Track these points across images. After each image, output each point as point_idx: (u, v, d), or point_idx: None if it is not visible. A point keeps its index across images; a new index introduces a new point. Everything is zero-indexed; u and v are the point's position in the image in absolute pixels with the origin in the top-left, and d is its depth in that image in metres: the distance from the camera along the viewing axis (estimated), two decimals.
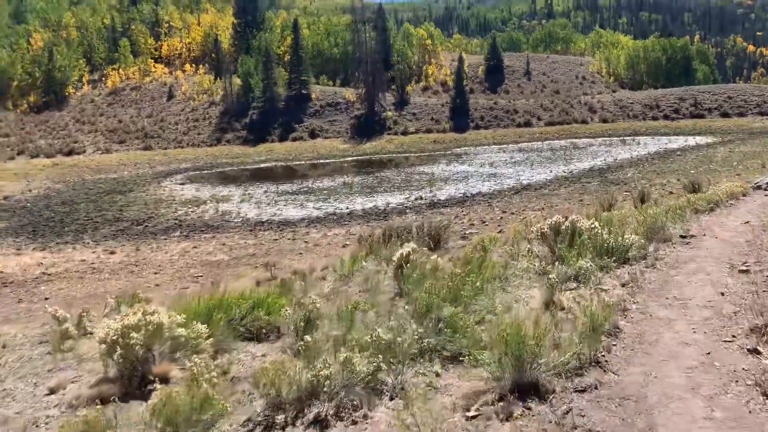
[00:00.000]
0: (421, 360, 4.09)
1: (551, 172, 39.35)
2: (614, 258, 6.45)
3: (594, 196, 26.75)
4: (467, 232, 20.79)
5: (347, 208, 29.20)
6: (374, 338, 3.85)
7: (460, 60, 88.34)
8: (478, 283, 5.56)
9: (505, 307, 5.08)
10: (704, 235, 8.20)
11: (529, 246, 7.64)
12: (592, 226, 7.10)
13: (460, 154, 56.30)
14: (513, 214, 24.37)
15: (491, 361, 3.54)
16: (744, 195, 13.09)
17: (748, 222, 9.02)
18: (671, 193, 24.81)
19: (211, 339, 4.95)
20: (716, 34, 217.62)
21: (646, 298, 5.31)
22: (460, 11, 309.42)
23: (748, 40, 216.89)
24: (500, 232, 19.57)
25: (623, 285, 5.70)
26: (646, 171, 34.22)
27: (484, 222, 22.88)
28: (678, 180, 28.85)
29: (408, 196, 32.27)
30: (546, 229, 7.14)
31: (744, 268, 5.92)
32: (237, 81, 73.67)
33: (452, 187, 35.09)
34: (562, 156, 48.83)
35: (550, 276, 5.38)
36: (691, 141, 52.04)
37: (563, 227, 7.10)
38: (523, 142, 63.83)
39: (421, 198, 31.30)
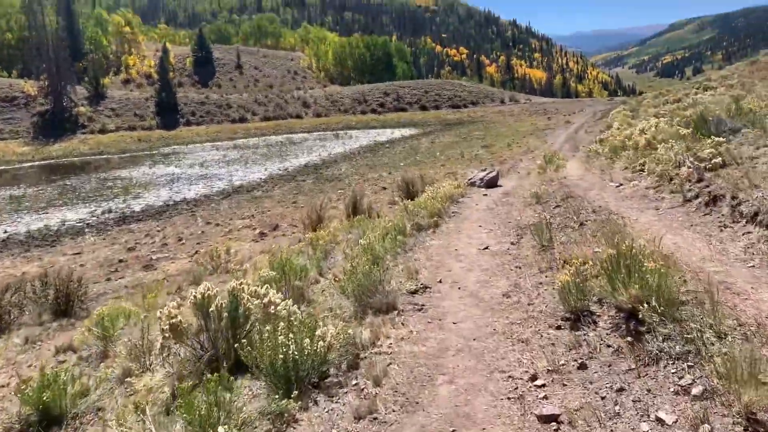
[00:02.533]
0: None
1: (266, 170, 36.64)
2: (294, 386, 3.31)
3: (308, 196, 24.49)
4: (155, 257, 16.55)
5: (5, 233, 22.34)
6: None
7: (165, 50, 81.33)
8: None
9: None
10: (440, 281, 5.68)
11: (166, 344, 4.22)
12: (268, 301, 3.98)
13: (168, 154, 50.63)
14: (218, 225, 20.70)
15: None
16: (462, 196, 11.49)
17: (486, 247, 6.85)
18: (384, 188, 23.71)
19: None
20: (410, 34, 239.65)
21: None
22: (167, 2, 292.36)
23: (436, 41, 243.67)
24: (195, 254, 15.83)
25: None
26: (359, 165, 33.41)
27: (181, 240, 18.78)
28: (389, 173, 28.25)
29: (94, 209, 26.34)
30: (181, 321, 3.79)
31: (545, 411, 3.20)
32: None
33: (153, 194, 30.00)
34: (277, 152, 46.60)
35: None
36: (397, 133, 54.12)
37: (217, 306, 3.83)
38: (238, 139, 60.49)
39: (111, 211, 25.73)
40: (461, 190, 11.80)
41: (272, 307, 3.95)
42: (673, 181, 7.54)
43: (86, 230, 22.08)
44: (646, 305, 3.55)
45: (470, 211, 9.59)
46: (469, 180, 14.22)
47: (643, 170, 9.29)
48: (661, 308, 3.50)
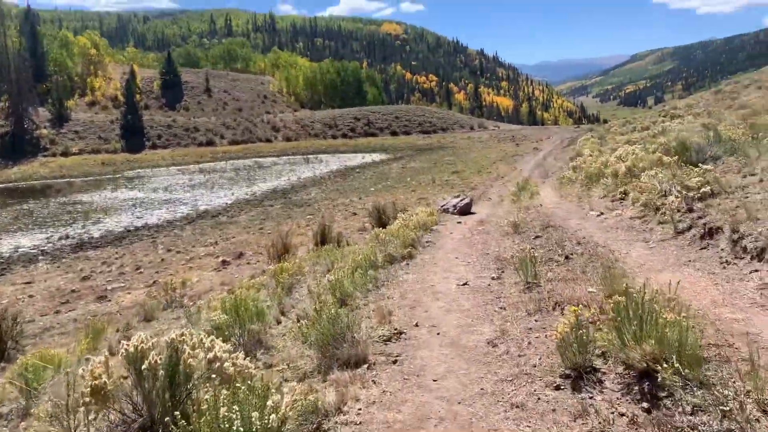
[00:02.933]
0: None
1: (233, 194, 35.77)
2: None
3: (276, 222, 23.77)
4: (110, 288, 15.59)
5: None
6: None
7: (132, 73, 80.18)
8: None
9: None
10: (416, 325, 5.04)
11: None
12: (213, 356, 3.29)
13: (132, 178, 49.40)
14: (179, 252, 19.80)
15: None
16: (436, 224, 10.95)
17: (466, 283, 6.24)
18: (355, 214, 23.12)
19: None
20: (380, 61, 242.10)
21: None
22: (136, 25, 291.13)
23: (406, 68, 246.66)
24: (152, 284, 14.95)
25: None
26: (329, 190, 32.80)
27: (139, 268, 17.84)
28: (360, 199, 27.72)
29: (51, 235, 25.18)
30: (106, 383, 3.08)
31: None
32: None
33: (113, 219, 28.89)
34: (245, 176, 45.76)
35: None
36: (368, 158, 53.83)
37: (151, 362, 3.16)
38: (205, 162, 59.46)
39: (68, 237, 24.59)
40: (434, 218, 11.26)
41: (218, 363, 3.30)
42: (660, 211, 7.08)
43: (40, 258, 20.97)
44: (665, 364, 2.98)
45: (445, 241, 9.01)
46: (442, 207, 13.72)
47: (624, 199, 8.87)
48: (685, 369, 2.93)
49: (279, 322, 6.01)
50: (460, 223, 11.33)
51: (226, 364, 3.29)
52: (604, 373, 3.49)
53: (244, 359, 3.61)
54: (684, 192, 6.77)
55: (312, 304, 5.43)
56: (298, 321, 5.64)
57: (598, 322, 3.79)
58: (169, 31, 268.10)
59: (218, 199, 33.81)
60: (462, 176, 33.22)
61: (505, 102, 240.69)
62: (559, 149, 44.35)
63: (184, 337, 3.38)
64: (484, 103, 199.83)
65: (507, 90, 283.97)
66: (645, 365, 3.18)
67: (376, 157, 54.91)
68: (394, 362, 4.21)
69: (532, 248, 6.68)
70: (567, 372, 3.59)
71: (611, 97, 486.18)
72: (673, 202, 6.72)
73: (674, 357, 3.00)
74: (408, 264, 7.43)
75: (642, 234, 6.87)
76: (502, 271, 6.36)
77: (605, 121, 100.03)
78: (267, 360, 4.57)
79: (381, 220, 12.66)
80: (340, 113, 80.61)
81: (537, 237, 7.84)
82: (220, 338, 3.85)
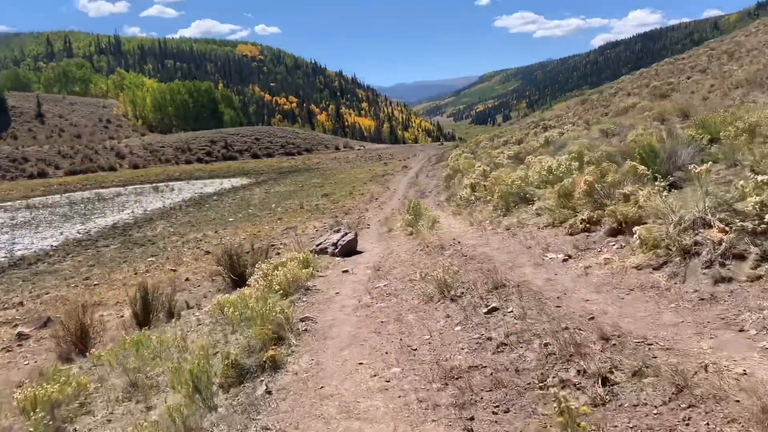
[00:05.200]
0: None
1: (62, 234, 29.77)
2: None
3: (108, 268, 19.06)
4: None
5: None
6: None
7: None
8: None
9: None
10: None
11: None
12: None
13: None
14: None
15: None
16: (313, 277, 7.60)
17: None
18: (208, 253, 19.08)
19: None
20: (237, 83, 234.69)
21: None
22: None
23: (264, 90, 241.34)
24: None
25: None
26: (180, 223, 28.12)
27: None
28: (216, 232, 23.64)
29: None
30: None
31: None
32: None
33: None
34: (81, 211, 39.32)
35: None
36: (227, 183, 49.35)
37: None
38: (36, 197, 51.41)
39: None
40: (310, 270, 7.83)
41: None
42: (698, 255, 4.24)
43: None
44: None
45: (332, 315, 5.54)
46: (318, 246, 10.33)
47: (590, 230, 6.09)
48: None
49: None
50: (347, 272, 8.02)
51: None
52: None
53: None
54: (737, 221, 4.03)
55: None
56: None
57: None
58: (0, 54, 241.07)
59: (43, 241, 27.82)
60: (333, 199, 30.11)
61: (367, 122, 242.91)
62: (429, 167, 42.83)
63: None
64: (346, 123, 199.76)
65: (368, 111, 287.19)
66: None
67: (237, 182, 50.47)
68: None
69: (508, 344, 3.46)
70: None
71: (464, 116, 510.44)
72: (716, 239, 3.94)
73: None
74: (270, 392, 3.85)
75: (706, 308, 3.71)
76: (471, 417, 2.97)
77: (461, 139, 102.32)
78: None
79: (234, 270, 9.02)
80: (194, 136, 74.67)
81: (492, 310, 4.51)
82: None
